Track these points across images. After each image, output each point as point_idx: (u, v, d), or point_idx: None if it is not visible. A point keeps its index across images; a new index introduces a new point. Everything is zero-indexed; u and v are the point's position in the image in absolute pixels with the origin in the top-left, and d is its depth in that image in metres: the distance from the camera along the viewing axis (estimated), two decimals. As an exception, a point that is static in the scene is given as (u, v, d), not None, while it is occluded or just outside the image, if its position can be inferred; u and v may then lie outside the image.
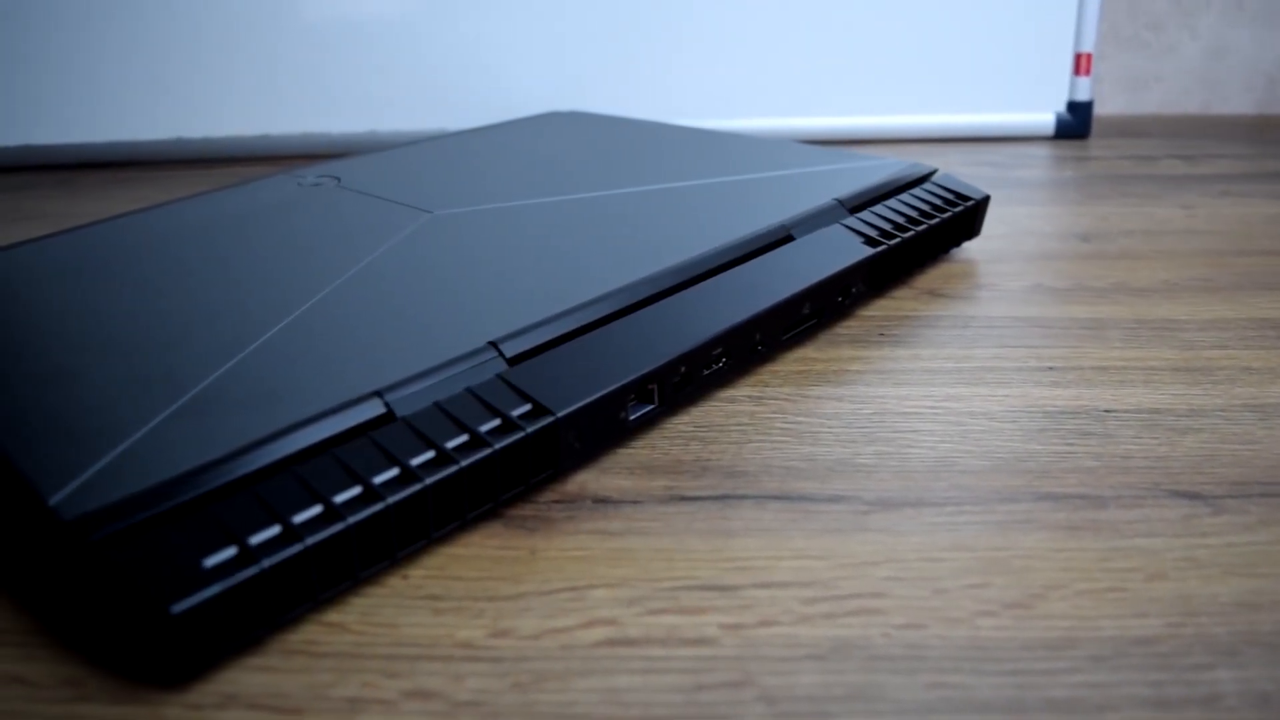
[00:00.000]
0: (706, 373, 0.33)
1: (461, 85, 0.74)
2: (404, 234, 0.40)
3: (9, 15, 0.71)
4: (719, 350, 0.33)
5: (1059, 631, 0.23)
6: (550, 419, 0.28)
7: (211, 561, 0.22)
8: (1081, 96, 0.75)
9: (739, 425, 0.33)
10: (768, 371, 0.36)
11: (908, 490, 0.29)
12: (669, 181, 0.46)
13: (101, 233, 0.42)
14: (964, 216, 0.46)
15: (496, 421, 0.27)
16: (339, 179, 0.49)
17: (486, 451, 0.26)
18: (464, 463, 0.26)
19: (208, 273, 0.36)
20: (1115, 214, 0.55)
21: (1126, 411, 0.33)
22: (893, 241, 0.41)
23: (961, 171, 0.64)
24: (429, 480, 0.25)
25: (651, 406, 0.32)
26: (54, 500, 0.23)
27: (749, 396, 0.35)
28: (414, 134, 0.74)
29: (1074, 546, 0.26)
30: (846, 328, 0.40)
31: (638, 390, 0.31)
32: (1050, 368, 0.36)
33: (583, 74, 0.74)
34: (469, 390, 0.28)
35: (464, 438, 0.26)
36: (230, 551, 0.22)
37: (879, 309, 0.42)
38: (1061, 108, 0.75)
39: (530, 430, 0.27)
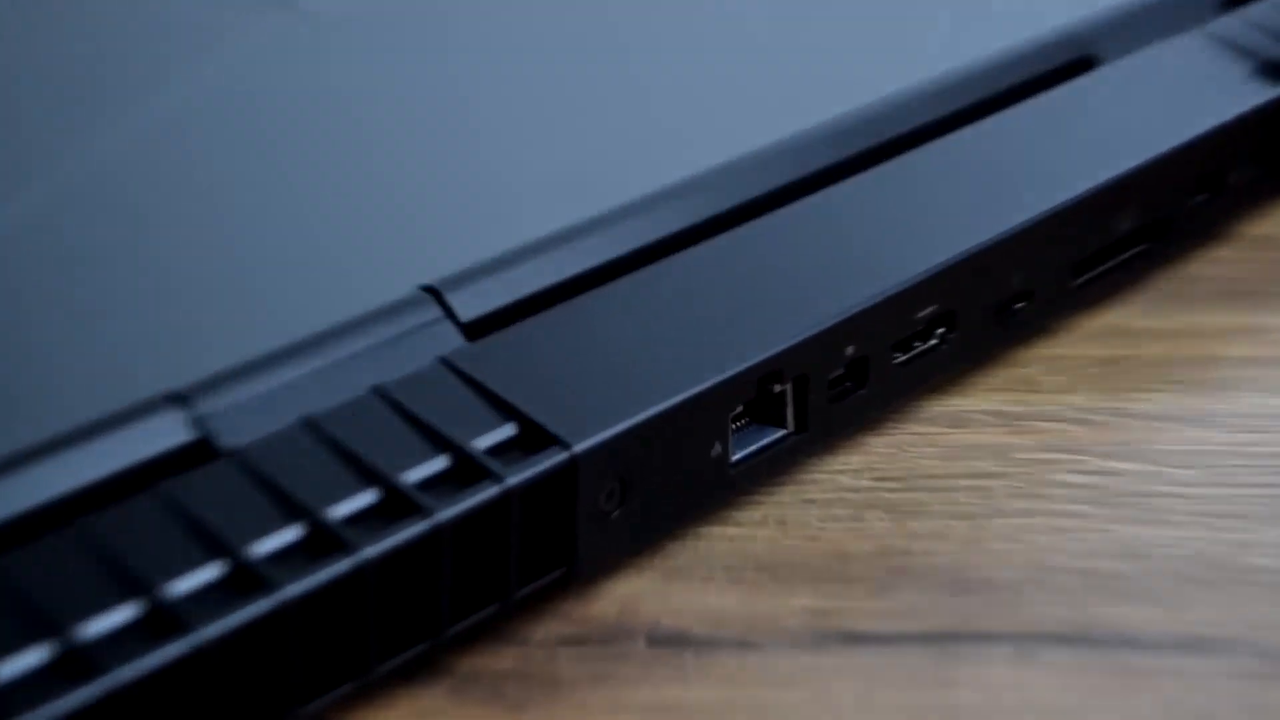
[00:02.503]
0: (900, 360, 0.27)
1: None
2: (239, 50, 0.35)
3: None
4: (930, 309, 0.27)
5: None
6: (560, 457, 0.22)
7: None
8: None
9: (975, 479, 0.27)
10: (1037, 358, 0.30)
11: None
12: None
13: None
14: None
15: (441, 462, 0.22)
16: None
17: (420, 528, 0.21)
18: (366, 554, 0.20)
19: None
20: None
21: None
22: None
23: None
24: (286, 593, 0.20)
25: (782, 432, 0.26)
26: None
27: (996, 414, 0.29)
28: None
29: None
30: (1214, 262, 0.32)
31: (749, 397, 0.24)
32: None
33: None
34: (377, 392, 0.23)
35: (370, 497, 0.21)
36: None
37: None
38: None
39: (513, 483, 0.21)
